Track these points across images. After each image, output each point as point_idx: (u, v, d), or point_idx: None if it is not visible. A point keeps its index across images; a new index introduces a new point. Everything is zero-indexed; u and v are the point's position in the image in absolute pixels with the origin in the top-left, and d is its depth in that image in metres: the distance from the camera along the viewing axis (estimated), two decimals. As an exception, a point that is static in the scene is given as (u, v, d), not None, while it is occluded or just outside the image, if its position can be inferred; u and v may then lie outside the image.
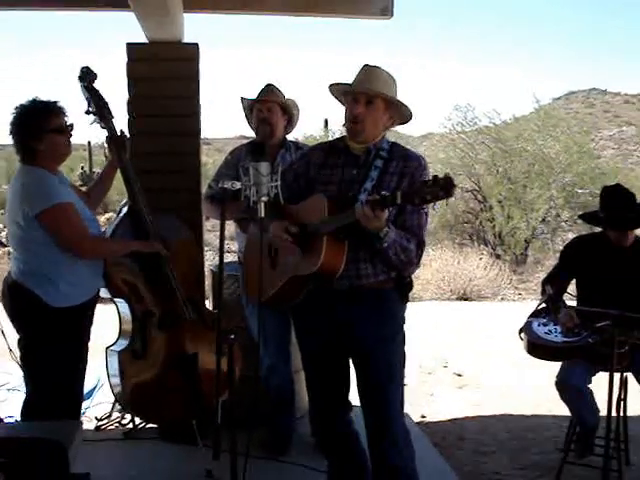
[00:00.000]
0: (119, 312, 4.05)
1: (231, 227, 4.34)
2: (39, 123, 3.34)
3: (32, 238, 3.33)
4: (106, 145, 3.83)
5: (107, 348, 4.03)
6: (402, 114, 2.97)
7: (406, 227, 2.84)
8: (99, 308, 3.65)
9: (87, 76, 3.70)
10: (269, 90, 4.15)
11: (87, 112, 3.72)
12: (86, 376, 3.68)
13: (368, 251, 2.82)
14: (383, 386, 2.94)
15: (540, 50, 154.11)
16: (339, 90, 2.99)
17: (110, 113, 3.74)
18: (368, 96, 2.86)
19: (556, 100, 36.51)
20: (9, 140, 3.43)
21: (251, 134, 4.32)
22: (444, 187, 2.42)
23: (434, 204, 2.57)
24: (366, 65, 2.93)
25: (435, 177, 2.46)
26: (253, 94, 4.16)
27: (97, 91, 3.71)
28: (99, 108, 3.71)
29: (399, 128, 3.15)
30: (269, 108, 4.09)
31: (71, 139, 3.49)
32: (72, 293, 3.40)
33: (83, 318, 3.53)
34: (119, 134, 3.77)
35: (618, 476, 3.78)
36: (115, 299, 3.95)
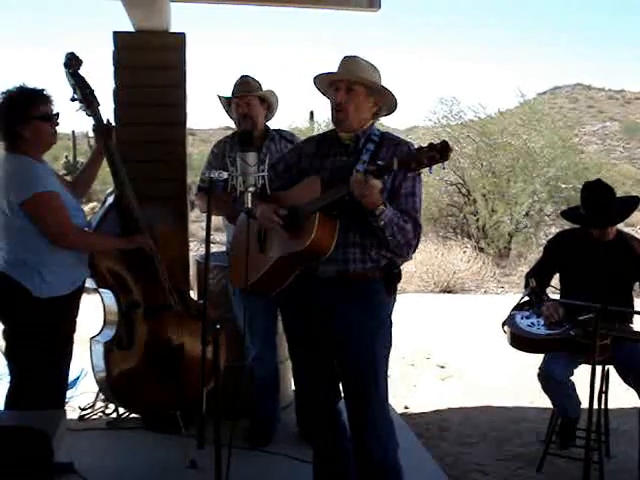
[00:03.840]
0: (104, 302, 4.04)
1: (218, 218, 4.34)
2: (25, 109, 3.31)
3: (17, 227, 3.31)
4: (92, 134, 3.78)
5: (91, 338, 4.02)
6: (387, 100, 2.97)
7: (401, 211, 2.81)
8: (83, 298, 3.63)
9: (72, 62, 3.65)
10: (244, 82, 4.11)
11: (72, 99, 3.68)
12: (70, 366, 3.66)
13: (359, 233, 2.81)
14: (363, 380, 2.91)
15: (525, 45, 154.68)
16: (322, 81, 3.00)
17: (96, 100, 3.70)
18: (348, 82, 2.87)
19: (541, 95, 36.56)
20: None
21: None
22: (440, 150, 2.45)
23: (430, 169, 2.56)
24: (345, 56, 2.95)
25: (431, 144, 2.49)
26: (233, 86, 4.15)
27: (83, 78, 3.67)
28: (84, 95, 3.66)
29: (384, 121, 3.15)
30: (247, 102, 4.06)
31: (57, 128, 3.44)
32: (57, 283, 3.38)
33: (69, 309, 3.51)
34: (105, 122, 3.73)
35: (599, 468, 3.82)
36: (100, 289, 3.94)
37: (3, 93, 3.36)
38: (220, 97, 4.21)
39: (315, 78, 2.99)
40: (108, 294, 3.96)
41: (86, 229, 3.68)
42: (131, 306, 3.90)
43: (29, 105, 3.32)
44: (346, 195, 2.66)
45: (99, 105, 3.72)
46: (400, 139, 2.99)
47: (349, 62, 2.92)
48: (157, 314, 3.91)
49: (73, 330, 3.60)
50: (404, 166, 2.52)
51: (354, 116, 2.90)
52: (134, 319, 3.91)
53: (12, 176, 3.31)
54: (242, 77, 4.13)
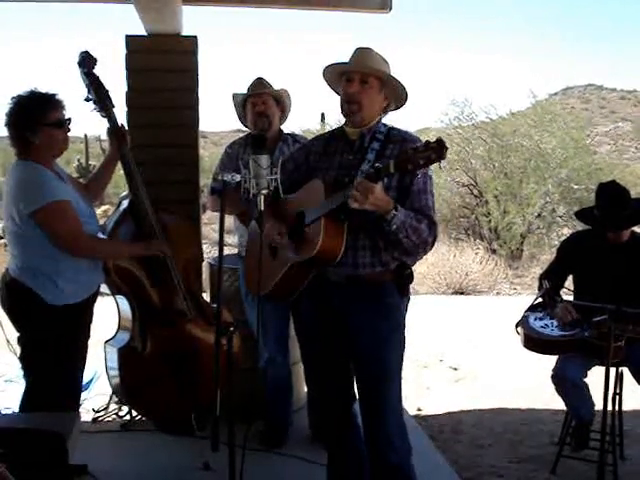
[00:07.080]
0: (118, 307, 4.03)
1: (229, 220, 4.35)
2: (36, 116, 3.22)
3: (28, 235, 3.25)
4: (106, 136, 3.70)
5: (106, 342, 4.02)
6: (397, 95, 2.92)
7: (414, 209, 2.77)
8: (98, 301, 3.63)
9: (86, 61, 3.57)
10: (260, 83, 4.12)
11: (87, 99, 3.60)
12: (84, 370, 3.66)
13: (368, 236, 2.78)
14: (377, 382, 2.90)
15: (537, 45, 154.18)
16: (333, 72, 2.93)
17: (111, 101, 3.62)
18: (362, 75, 2.82)
19: (553, 95, 36.56)
20: (5, 132, 3.32)
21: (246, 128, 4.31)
22: (436, 150, 2.40)
23: (430, 169, 2.60)
24: (358, 48, 2.89)
25: (427, 142, 2.45)
26: (245, 88, 4.15)
27: (97, 77, 3.58)
28: (99, 95, 3.58)
29: (396, 123, 3.11)
30: (264, 101, 4.06)
31: (68, 134, 3.37)
32: (71, 290, 3.33)
33: (83, 315, 3.48)
34: (119, 125, 3.67)
35: (613, 470, 3.80)
36: (115, 296, 3.93)
37: (13, 98, 3.26)
38: (235, 95, 4.20)
39: (327, 68, 2.92)
40: (122, 299, 3.95)
41: (100, 235, 3.63)
42: (145, 312, 3.88)
43: (39, 111, 3.23)
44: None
45: (113, 107, 3.64)
46: (406, 135, 2.92)
47: (363, 53, 2.86)
48: (172, 319, 3.89)
49: (87, 336, 3.57)
50: (401, 169, 2.47)
51: (367, 109, 2.85)
52: (148, 325, 3.90)
53: (22, 184, 3.24)
54: (257, 78, 4.15)
